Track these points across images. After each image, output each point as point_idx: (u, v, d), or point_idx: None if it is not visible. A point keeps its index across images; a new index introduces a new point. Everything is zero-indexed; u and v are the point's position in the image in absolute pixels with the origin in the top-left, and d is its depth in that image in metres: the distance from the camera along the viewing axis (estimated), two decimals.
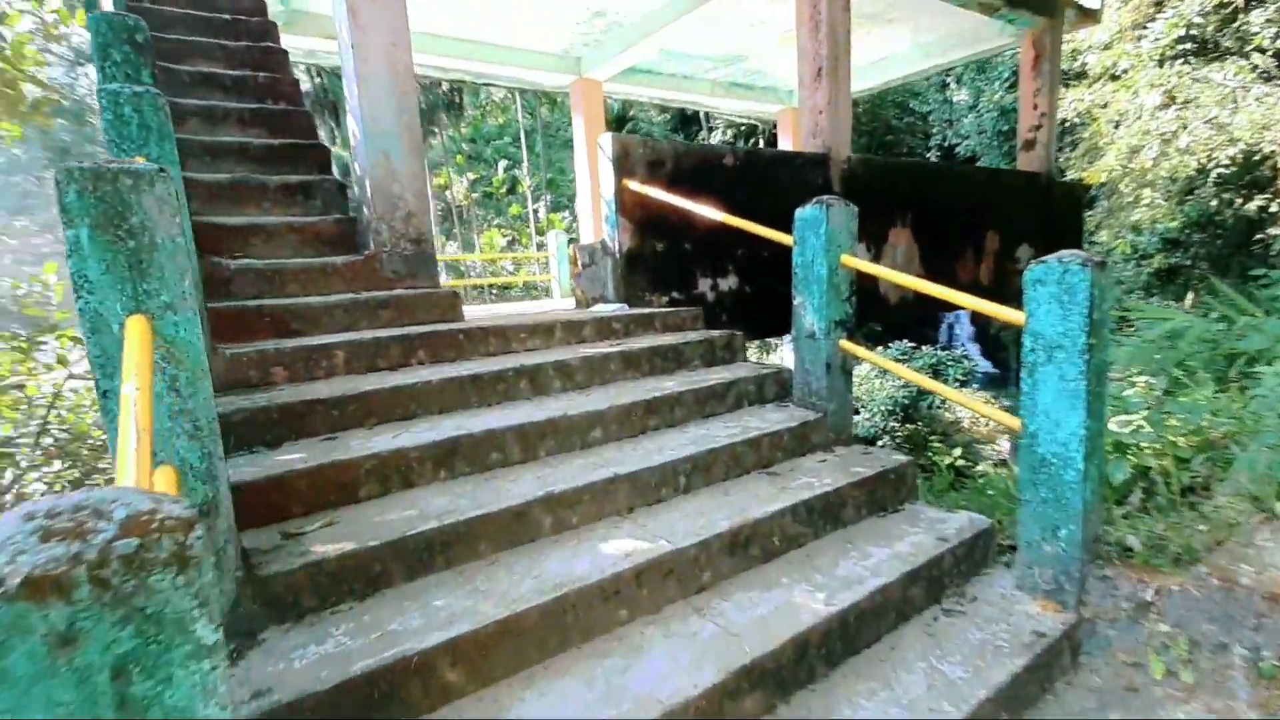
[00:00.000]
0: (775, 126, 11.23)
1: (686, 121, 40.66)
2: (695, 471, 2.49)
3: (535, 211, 30.92)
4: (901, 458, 2.80)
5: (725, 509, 2.29)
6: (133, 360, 1.34)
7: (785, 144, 10.87)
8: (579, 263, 4.70)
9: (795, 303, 3.03)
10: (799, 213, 2.96)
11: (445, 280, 25.78)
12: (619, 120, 28.19)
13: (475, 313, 5.03)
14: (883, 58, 9.10)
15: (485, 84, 8.87)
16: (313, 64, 7.92)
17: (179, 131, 3.73)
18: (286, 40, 6.59)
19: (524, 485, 2.20)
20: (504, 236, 30.96)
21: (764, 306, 5.11)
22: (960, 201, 6.71)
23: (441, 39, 7.38)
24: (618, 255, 4.26)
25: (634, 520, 2.23)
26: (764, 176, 4.98)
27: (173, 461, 1.51)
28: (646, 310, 3.84)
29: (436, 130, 24.36)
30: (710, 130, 35.59)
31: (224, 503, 1.59)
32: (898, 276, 2.79)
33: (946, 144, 22.40)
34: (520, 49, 7.92)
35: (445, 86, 21.18)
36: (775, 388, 3.25)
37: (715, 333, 3.59)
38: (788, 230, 3.20)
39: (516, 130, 31.77)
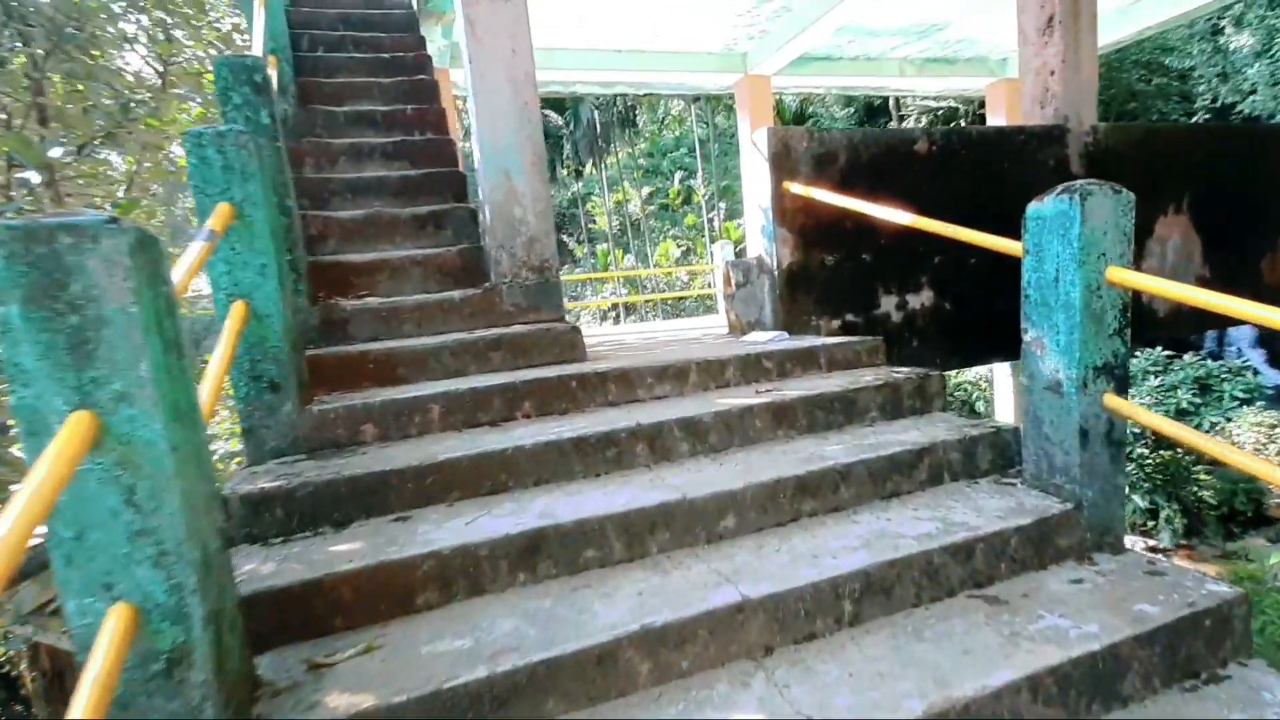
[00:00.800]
0: (981, 105, 9.53)
1: (874, 113, 37.96)
2: (868, 594, 1.71)
3: (710, 220, 30.70)
4: (1224, 590, 1.75)
5: (916, 671, 1.50)
6: (53, 476, 0.99)
7: (997, 123, 9.17)
8: (731, 281, 4.04)
9: (1027, 338, 2.09)
10: (1033, 209, 2.03)
11: (622, 294, 26.37)
12: (797, 119, 26.85)
13: (618, 335, 4.73)
14: (1131, 1, 7.16)
15: (646, 93, 8.57)
16: None
17: (329, 171, 3.76)
18: (453, 75, 6.81)
19: (619, 607, 1.61)
20: (679, 247, 31.15)
21: (970, 326, 4.02)
22: (1266, 175, 4.87)
23: (595, 52, 7.17)
24: (776, 273, 3.53)
25: (770, 677, 1.53)
26: (971, 163, 3.91)
27: (132, 597, 1.16)
28: (810, 342, 3.06)
29: (614, 147, 25.14)
30: (901, 119, 32.68)
31: (200, 647, 1.21)
32: (1201, 296, 1.74)
33: (1220, 103, 17.86)
34: (678, 52, 7.46)
35: (620, 105, 21.71)
36: (992, 455, 2.31)
37: (900, 373, 2.71)
38: (1006, 230, 2.27)
39: (692, 141, 31.86)
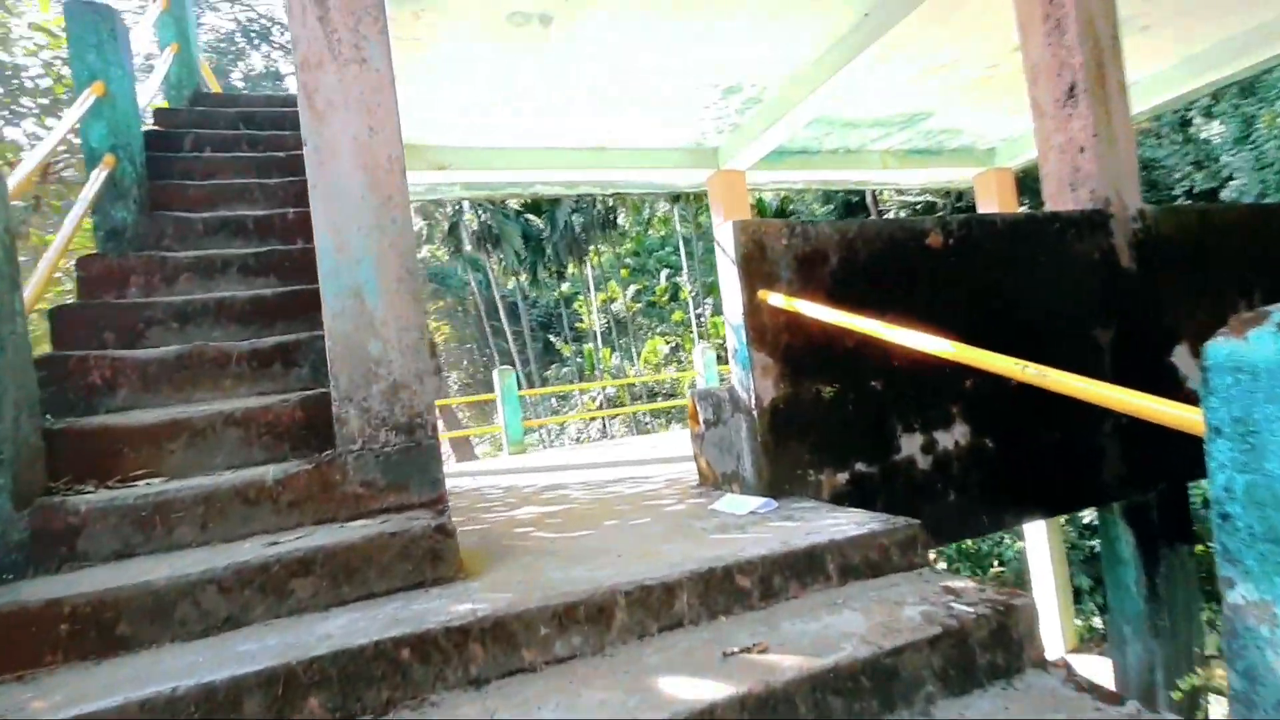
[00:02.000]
0: (960, 198, 9.06)
1: (852, 209, 38.91)
2: None
3: (698, 316, 30.44)
4: None
5: None
6: None
7: (986, 209, 8.60)
8: (699, 419, 3.05)
9: (1236, 598, 1.06)
10: (1227, 351, 1.07)
11: (610, 394, 25.43)
12: (777, 216, 27.17)
13: (569, 470, 3.72)
14: (1133, 81, 6.71)
15: (613, 192, 8.00)
16: (434, 199, 7.60)
17: (159, 294, 2.84)
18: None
19: None
20: (667, 343, 30.65)
21: (1021, 468, 3.01)
22: None
23: (554, 151, 6.58)
24: (755, 412, 2.55)
25: None
26: (997, 258, 3.04)
27: None
28: (809, 527, 2.02)
29: (597, 247, 25.11)
30: (881, 213, 33.32)
31: None
32: None
33: (1197, 190, 17.87)
34: (645, 149, 6.90)
35: (599, 206, 21.81)
36: None
37: (965, 611, 1.63)
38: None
39: (677, 240, 32.18)
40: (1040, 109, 3.59)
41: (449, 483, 5.00)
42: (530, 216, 21.21)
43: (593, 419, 26.49)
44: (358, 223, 2.14)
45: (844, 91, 5.53)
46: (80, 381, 2.29)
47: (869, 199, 28.93)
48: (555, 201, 19.16)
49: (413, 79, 4.99)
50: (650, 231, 38.20)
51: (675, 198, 21.48)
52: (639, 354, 29.06)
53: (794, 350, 2.64)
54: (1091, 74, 3.38)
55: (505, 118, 5.79)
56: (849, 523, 2.05)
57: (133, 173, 3.19)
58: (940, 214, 2.85)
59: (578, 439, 25.15)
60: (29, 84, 4.15)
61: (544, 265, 23.12)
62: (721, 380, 8.18)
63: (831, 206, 34.75)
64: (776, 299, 2.53)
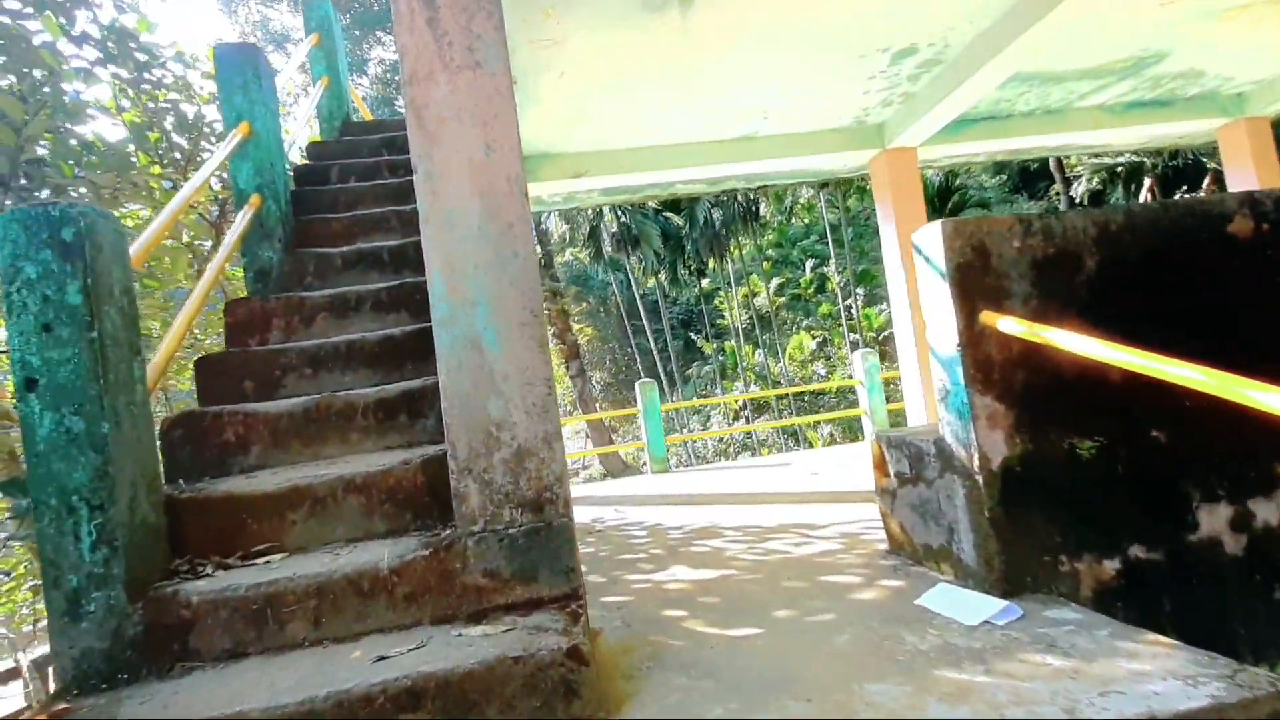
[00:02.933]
0: (1174, 156, 7.25)
1: (1029, 179, 34.49)
2: None
3: (848, 307, 28.62)
4: None
5: None
6: None
7: (1237, 174, 6.84)
8: (889, 470, 2.41)
9: None
10: None
11: (752, 388, 24.82)
12: (940, 195, 24.57)
13: (703, 501, 2.90)
14: None
15: (760, 185, 7.35)
16: (572, 208, 7.44)
17: (295, 337, 2.76)
18: (534, 189, 6.01)
19: None
20: (813, 338, 29.17)
21: None
22: None
23: (693, 146, 6.09)
24: (979, 474, 1.89)
25: None
26: None
27: None
28: (1082, 661, 1.36)
29: (739, 241, 24.32)
30: (1068, 181, 29.05)
31: None
32: None
33: None
34: (797, 133, 6.20)
35: (740, 199, 20.99)
36: None
37: None
38: None
39: (823, 227, 30.44)
40: None
41: (591, 512, 4.74)
42: (669, 215, 20.96)
43: (736, 419, 25.86)
44: (475, 259, 1.80)
45: (1053, 37, 4.46)
46: (216, 440, 2.20)
47: (1052, 165, 25.21)
48: (695, 198, 18.74)
49: (547, 84, 4.76)
50: (793, 220, 36.61)
51: (822, 184, 20.14)
52: (784, 350, 27.92)
53: (1034, 392, 1.93)
54: None
55: (643, 115, 5.41)
56: (1160, 670, 1.36)
57: (277, 211, 3.18)
58: (1243, 193, 2.00)
59: (722, 447, 24.65)
60: (207, 129, 4.42)
61: (683, 263, 22.80)
62: (872, 389, 7.25)
63: (1004, 176, 30.91)
64: (1009, 324, 1.84)
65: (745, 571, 2.56)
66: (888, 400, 7.36)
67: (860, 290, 27.69)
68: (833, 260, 27.85)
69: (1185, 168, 23.80)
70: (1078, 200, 28.25)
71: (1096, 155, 19.52)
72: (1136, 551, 1.93)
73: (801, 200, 34.44)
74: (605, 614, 2.25)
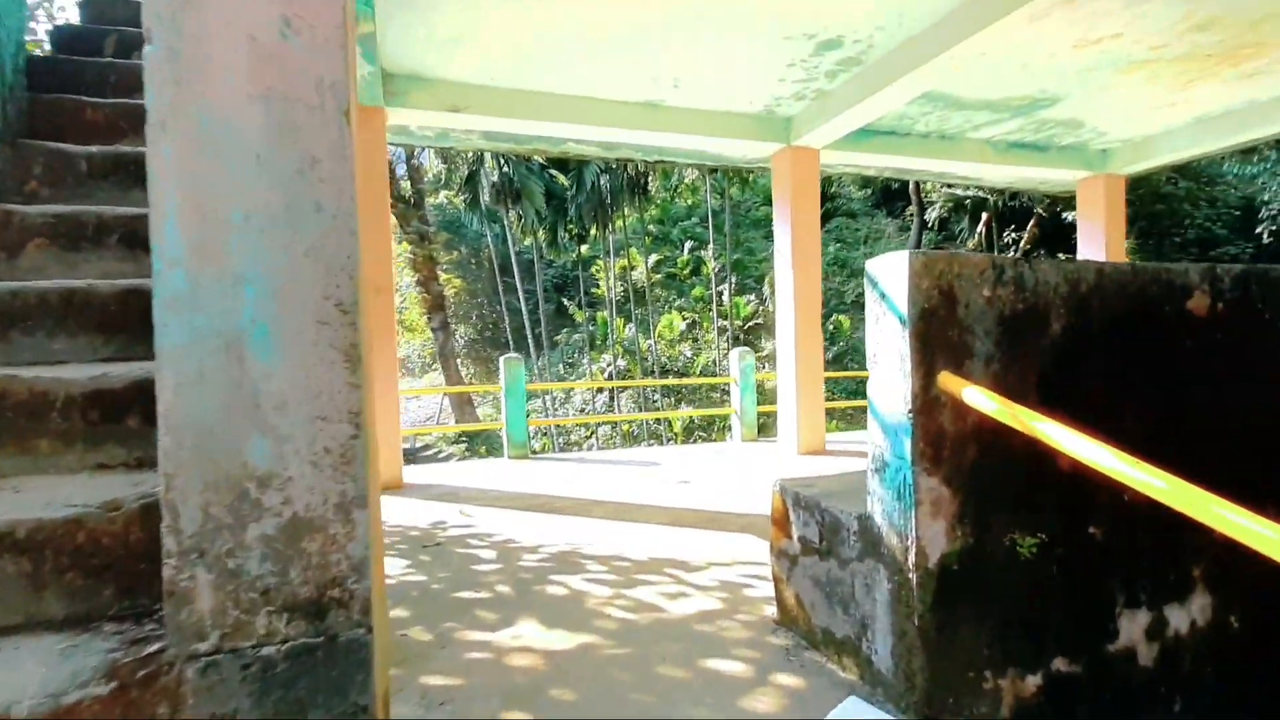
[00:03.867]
0: (1013, 197, 7.83)
1: (890, 196, 37.10)
2: None
3: (719, 294, 29.27)
4: None
5: None
6: None
7: (1089, 226, 7.42)
8: (790, 529, 2.03)
9: None
10: None
11: (619, 363, 24.68)
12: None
13: (558, 519, 2.43)
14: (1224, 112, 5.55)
15: (658, 159, 6.84)
16: (448, 147, 6.47)
17: (10, 274, 1.82)
18: (399, 115, 5.03)
19: None
20: (684, 319, 29.60)
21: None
22: None
23: (594, 102, 5.42)
24: (912, 570, 1.52)
25: None
26: None
27: None
28: None
29: (623, 211, 23.78)
30: (923, 206, 31.58)
31: None
32: None
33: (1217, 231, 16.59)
34: (703, 110, 5.72)
35: (631, 170, 20.39)
36: None
37: None
38: None
39: (705, 211, 30.78)
40: None
41: (434, 510, 4.04)
42: (555, 173, 19.89)
43: (601, 393, 25.62)
44: (246, 203, 1.10)
45: (974, 59, 4.33)
46: None
47: (911, 187, 27.23)
48: (585, 161, 17.85)
49: None
50: (677, 200, 36.77)
51: (713, 169, 20.07)
52: (654, 327, 28.05)
53: (984, 475, 1.60)
54: None
55: (539, 53, 4.64)
56: None
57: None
58: (1205, 267, 1.87)
59: (586, 435, 24.30)
60: None
61: (565, 226, 21.86)
62: (745, 389, 7.13)
63: (869, 191, 32.94)
64: (977, 397, 1.47)
65: (611, 640, 2.07)
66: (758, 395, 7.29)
67: (733, 278, 28.43)
68: (711, 245, 28.30)
69: (1018, 209, 26.73)
70: (929, 224, 30.97)
71: (950, 185, 21.18)
72: (1059, 664, 1.68)
73: (687, 180, 34.61)
74: (425, 713, 1.66)
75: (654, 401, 25.09)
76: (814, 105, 5.56)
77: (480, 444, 25.75)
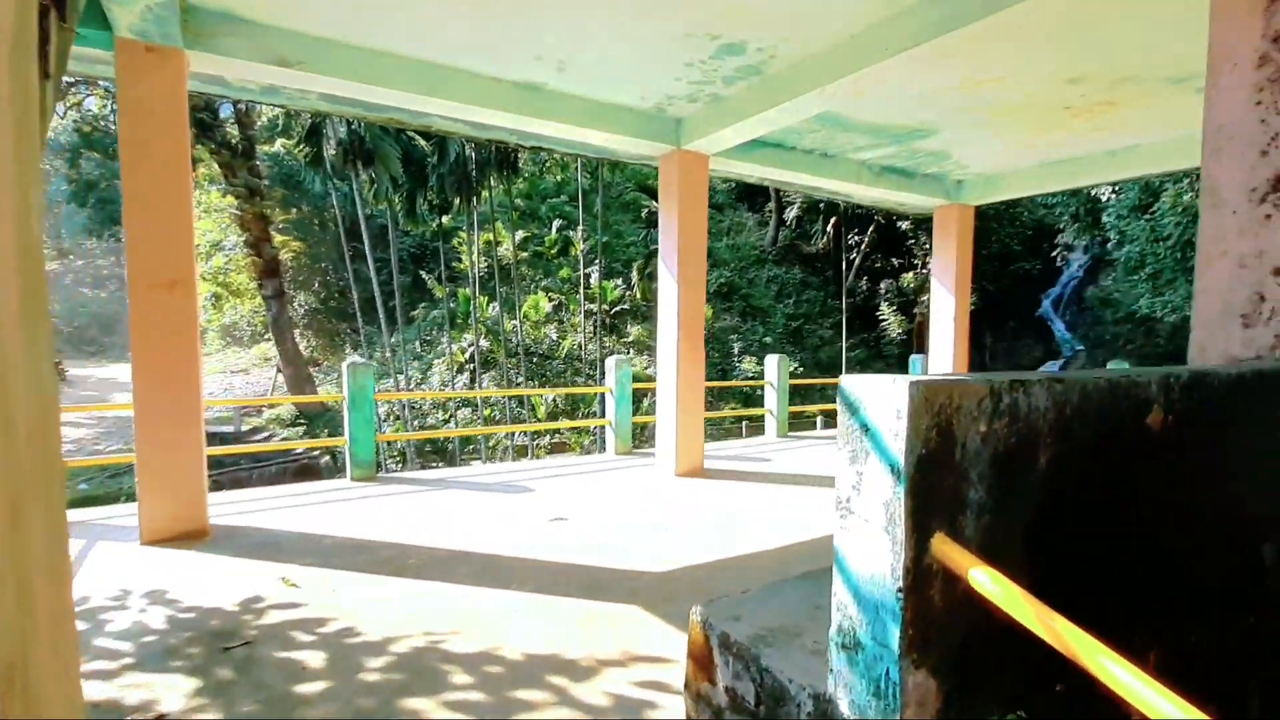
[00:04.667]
0: (859, 208, 8.25)
1: (751, 192, 38.57)
2: None
3: (587, 276, 28.80)
4: None
5: None
6: None
7: (943, 248, 7.87)
8: (714, 673, 1.64)
9: None
10: None
11: (482, 343, 23.62)
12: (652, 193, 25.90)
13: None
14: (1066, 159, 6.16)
15: (535, 146, 6.18)
16: (278, 105, 5.34)
17: None
18: (209, 63, 3.97)
19: None
20: (550, 300, 28.84)
21: None
22: None
23: (467, 76, 4.68)
24: None
25: None
26: (1240, 453, 1.88)
27: None
28: None
29: (489, 183, 22.38)
30: (782, 205, 33.11)
31: None
32: None
33: (1090, 252, 19.19)
34: (594, 100, 5.18)
35: (515, 141, 19.10)
36: None
37: None
38: None
39: (575, 189, 30.05)
40: (1217, 196, 2.47)
41: (251, 573, 3.20)
42: (415, 137, 18.15)
43: (461, 373, 24.24)
44: None
45: (873, 85, 4.19)
46: None
47: (771, 189, 28.48)
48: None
49: None
50: (546, 175, 35.60)
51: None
52: (520, 307, 27.04)
53: (971, 657, 1.30)
54: None
55: (400, 8, 3.83)
56: None
57: None
58: (1161, 375, 1.81)
59: (445, 418, 22.90)
60: None
61: (424, 195, 20.12)
62: (620, 400, 6.80)
63: (732, 185, 33.99)
64: (983, 578, 1.15)
65: None
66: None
67: (602, 261, 28.09)
68: (580, 226, 27.71)
69: (861, 214, 28.92)
70: (788, 223, 32.69)
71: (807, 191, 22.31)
72: None
73: (556, 156, 33.59)
74: None
75: (517, 383, 24.20)
76: (708, 110, 5.22)
77: (321, 426, 23.33)
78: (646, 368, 27.01)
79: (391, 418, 21.50)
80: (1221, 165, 2.46)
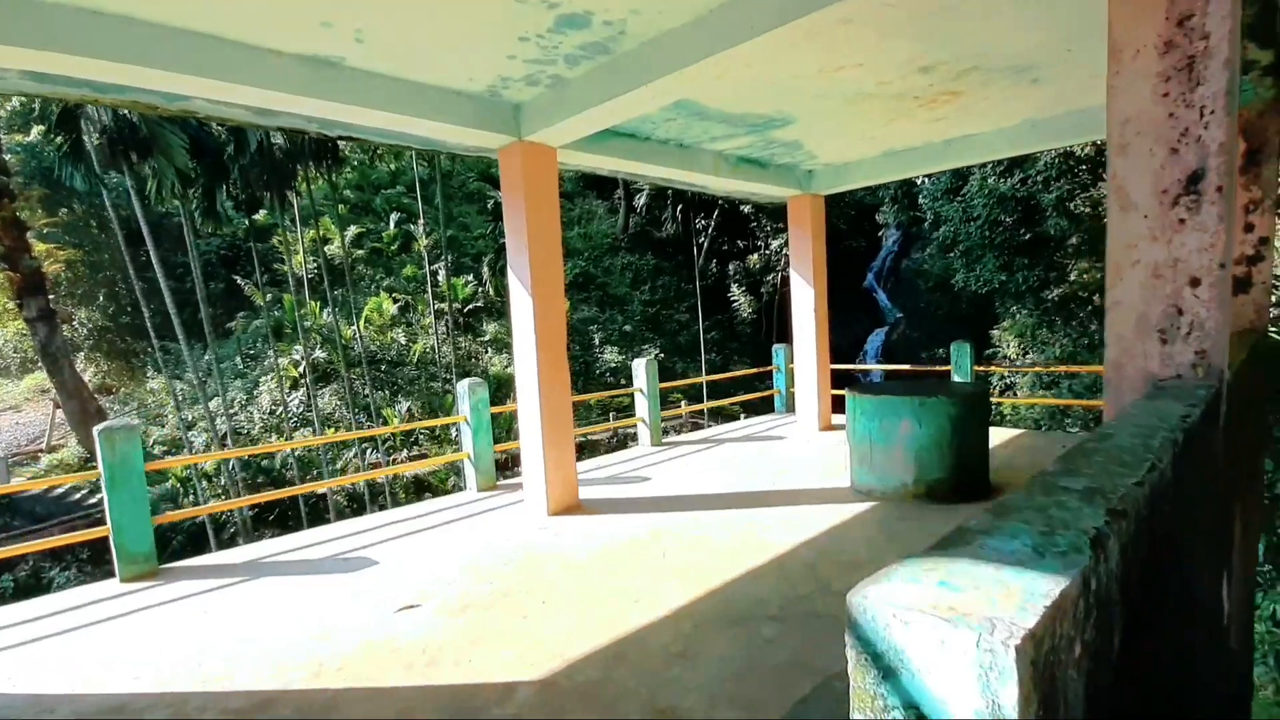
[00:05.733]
0: (687, 194, 8.15)
1: (600, 179, 38.23)
2: None
3: (434, 273, 26.84)
4: None
5: None
6: None
7: (798, 237, 7.81)
8: None
9: None
10: None
11: (317, 353, 21.21)
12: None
13: None
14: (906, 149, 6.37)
15: (342, 136, 5.11)
16: (9, 92, 3.82)
17: None
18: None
19: None
20: (395, 302, 26.56)
21: None
22: None
23: (254, 52, 3.60)
24: None
25: None
26: None
27: None
28: None
29: (308, 174, 19.82)
30: (632, 193, 33.03)
31: None
32: None
33: (900, 228, 20.75)
34: (411, 81, 4.26)
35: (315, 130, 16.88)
36: None
37: None
38: None
39: (412, 179, 27.75)
40: (1125, 198, 2.23)
41: None
42: (209, 125, 15.41)
43: (295, 389, 21.60)
44: None
45: (738, 68, 3.73)
46: None
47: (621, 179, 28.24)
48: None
49: None
50: (378, 164, 32.71)
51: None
52: (359, 312, 24.59)
53: None
54: (1233, 162, 2.10)
55: None
56: None
57: None
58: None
59: (274, 421, 20.30)
60: None
61: (226, 190, 17.29)
62: (478, 430, 5.98)
63: (579, 174, 33.39)
64: None
65: None
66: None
67: (449, 256, 26.29)
68: (421, 220, 25.64)
69: (705, 199, 29.66)
70: (638, 209, 32.70)
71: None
72: None
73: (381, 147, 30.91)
74: None
75: (364, 396, 21.97)
76: (551, 95, 4.50)
77: None
78: (507, 366, 25.80)
79: (213, 445, 18.56)
80: (1129, 163, 2.19)
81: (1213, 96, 2.06)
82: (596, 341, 27.36)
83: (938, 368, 8.56)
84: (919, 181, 18.48)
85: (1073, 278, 13.90)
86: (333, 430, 20.42)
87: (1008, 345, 14.84)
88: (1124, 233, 2.23)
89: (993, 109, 5.47)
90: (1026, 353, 14.69)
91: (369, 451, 19.32)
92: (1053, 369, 11.88)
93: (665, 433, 7.77)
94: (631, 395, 8.12)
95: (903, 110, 5.39)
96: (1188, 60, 2.10)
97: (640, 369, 7.33)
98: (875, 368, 10.10)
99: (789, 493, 5.14)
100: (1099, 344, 13.74)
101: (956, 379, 7.66)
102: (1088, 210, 13.47)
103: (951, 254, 16.14)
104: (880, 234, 32.82)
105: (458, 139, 4.94)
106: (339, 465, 19.15)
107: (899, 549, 3.82)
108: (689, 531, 4.39)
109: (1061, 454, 1.28)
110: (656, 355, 27.45)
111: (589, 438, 16.73)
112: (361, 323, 24.95)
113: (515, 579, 3.74)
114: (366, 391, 21.51)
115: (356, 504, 18.16)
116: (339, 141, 21.13)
